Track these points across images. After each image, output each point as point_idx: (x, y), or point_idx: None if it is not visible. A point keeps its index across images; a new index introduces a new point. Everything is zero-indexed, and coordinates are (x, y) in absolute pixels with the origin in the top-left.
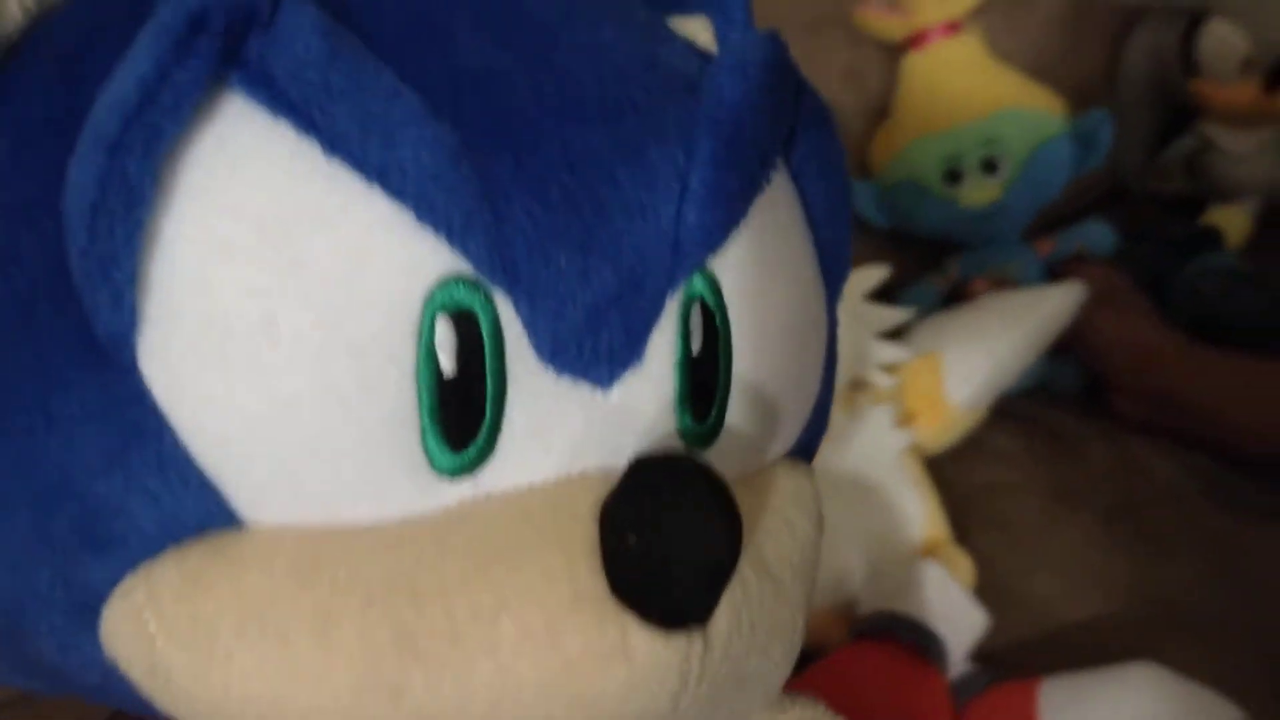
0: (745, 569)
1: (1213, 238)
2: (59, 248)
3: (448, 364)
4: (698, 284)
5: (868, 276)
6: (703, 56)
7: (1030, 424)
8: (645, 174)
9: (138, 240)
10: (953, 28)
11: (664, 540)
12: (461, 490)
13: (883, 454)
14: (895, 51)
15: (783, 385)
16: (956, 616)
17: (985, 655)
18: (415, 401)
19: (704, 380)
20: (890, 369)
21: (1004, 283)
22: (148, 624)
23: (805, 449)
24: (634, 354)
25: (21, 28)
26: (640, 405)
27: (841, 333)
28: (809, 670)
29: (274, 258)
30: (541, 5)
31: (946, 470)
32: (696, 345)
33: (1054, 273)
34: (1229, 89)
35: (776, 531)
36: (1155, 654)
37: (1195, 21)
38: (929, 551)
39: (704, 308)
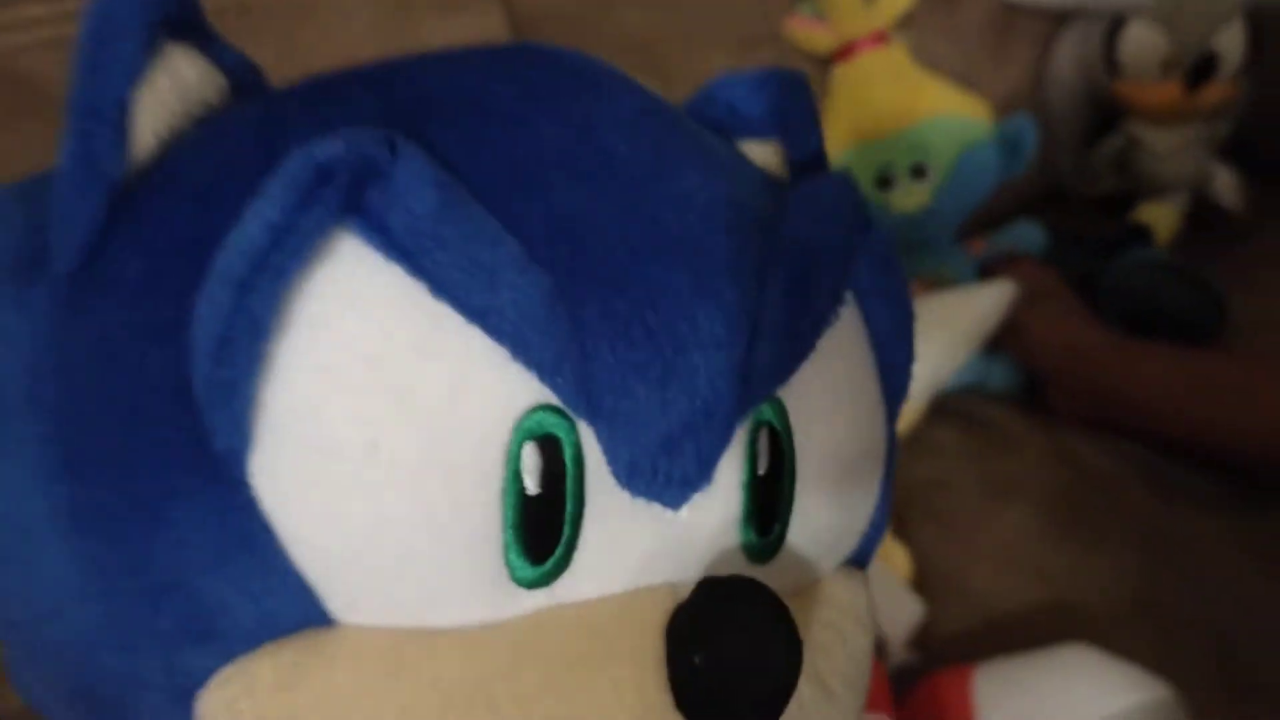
0: (801, 684)
1: (1142, 234)
2: (183, 368)
3: (532, 485)
4: (766, 411)
5: None
6: (777, 193)
7: (967, 420)
8: (721, 312)
9: (258, 369)
10: (880, 39)
11: (728, 660)
12: (539, 600)
13: None
14: (825, 64)
15: (842, 504)
16: (893, 607)
17: (925, 645)
18: (501, 519)
19: (768, 499)
20: None
21: (938, 284)
22: (243, 714)
23: (861, 557)
24: (704, 478)
25: (154, 152)
26: (707, 523)
27: None
28: None
29: (380, 388)
30: (631, 154)
31: None
32: (763, 467)
33: (986, 272)
34: (1151, 89)
35: (830, 644)
36: (1090, 639)
37: (1116, 25)
38: None
39: (771, 432)
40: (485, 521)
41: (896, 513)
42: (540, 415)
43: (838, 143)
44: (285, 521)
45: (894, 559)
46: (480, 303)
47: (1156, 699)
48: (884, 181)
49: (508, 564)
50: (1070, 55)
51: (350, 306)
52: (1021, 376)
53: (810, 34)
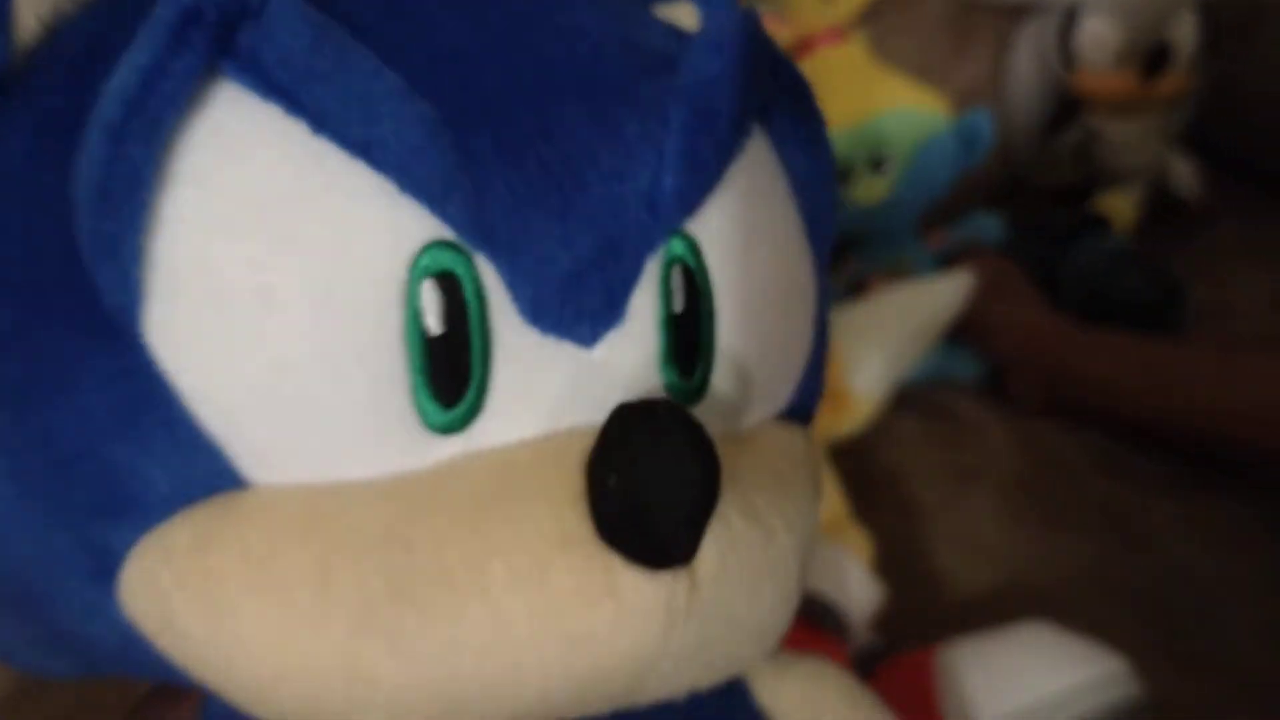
0: (732, 514)
1: (1100, 224)
2: (71, 233)
3: (435, 324)
4: (677, 246)
5: None
6: (681, 37)
7: (930, 409)
8: (621, 143)
9: (141, 220)
10: (837, 35)
11: (643, 481)
12: (453, 446)
13: None
14: None
15: (768, 345)
16: (854, 591)
17: (889, 629)
18: (406, 362)
19: (688, 339)
20: None
21: (898, 275)
22: (162, 581)
23: (800, 411)
24: (615, 314)
25: (36, 34)
26: (624, 362)
27: None
28: None
29: (268, 232)
30: None
31: (850, 456)
32: (678, 304)
33: (946, 263)
34: (1107, 80)
35: (766, 483)
36: (1047, 618)
37: (1071, 18)
38: (829, 530)
39: (685, 269)
40: (389, 364)
41: (858, 500)
42: (436, 251)
43: None
44: (186, 378)
45: (855, 545)
46: (361, 135)
47: (1110, 671)
48: (843, 175)
49: (418, 409)
50: (1028, 48)
51: (231, 152)
52: (984, 367)
53: (769, 30)
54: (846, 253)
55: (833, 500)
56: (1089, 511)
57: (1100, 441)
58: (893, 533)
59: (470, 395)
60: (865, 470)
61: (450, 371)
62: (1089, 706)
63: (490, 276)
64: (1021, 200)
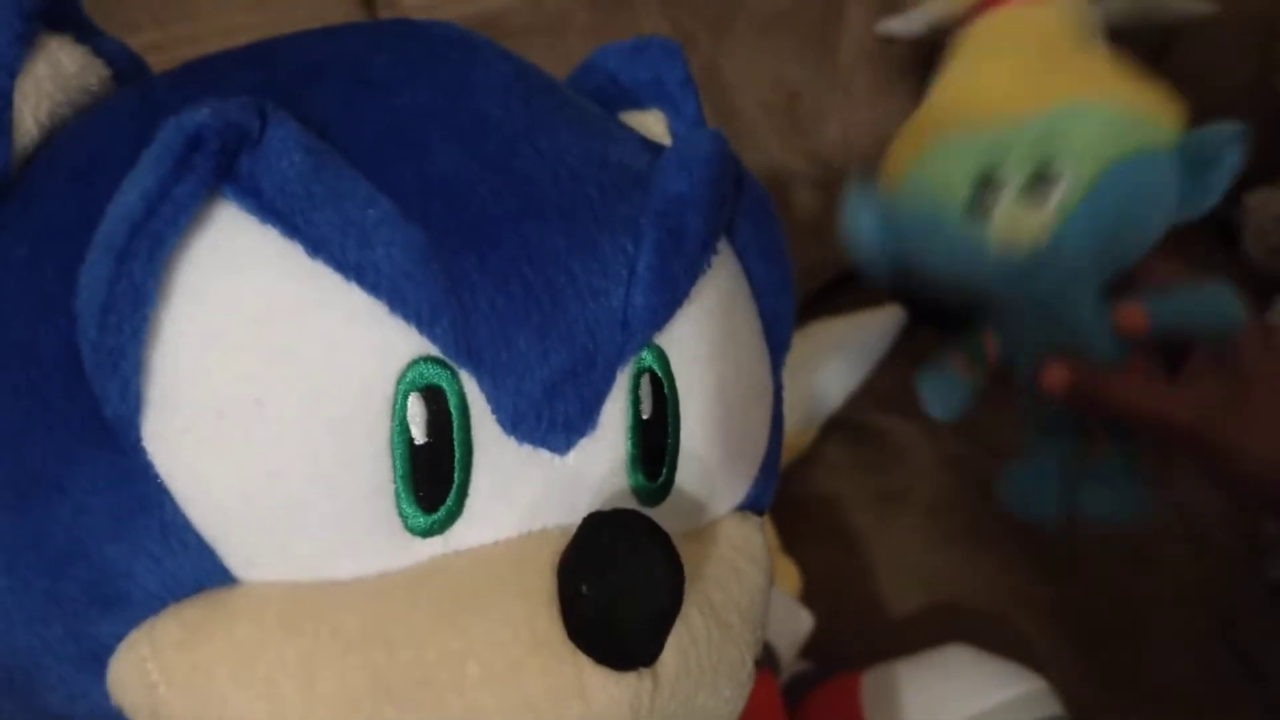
0: (693, 614)
1: None
2: (72, 341)
3: (419, 434)
4: (647, 357)
5: None
6: (653, 151)
7: (857, 433)
8: (597, 263)
9: (143, 335)
10: None
11: (613, 589)
12: (433, 547)
13: None
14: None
15: (729, 446)
16: (783, 619)
17: (817, 655)
18: (391, 470)
19: (655, 443)
20: None
21: (1075, 366)
22: (150, 674)
23: (756, 504)
24: (588, 423)
25: (36, 140)
26: (595, 467)
27: None
28: None
29: (262, 347)
30: (504, 115)
31: (780, 485)
32: (647, 411)
33: (1173, 366)
34: None
35: (723, 579)
36: (972, 638)
37: None
38: None
39: (654, 378)
40: (375, 472)
41: (787, 530)
42: (422, 366)
43: (928, 128)
44: (180, 482)
45: (783, 575)
46: (355, 259)
47: (1031, 690)
48: (984, 192)
49: (400, 513)
50: None
51: (230, 270)
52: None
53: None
54: (981, 325)
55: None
56: (1013, 531)
57: None
58: (821, 562)
59: (450, 501)
60: (795, 498)
61: (432, 478)
62: None
63: (473, 390)
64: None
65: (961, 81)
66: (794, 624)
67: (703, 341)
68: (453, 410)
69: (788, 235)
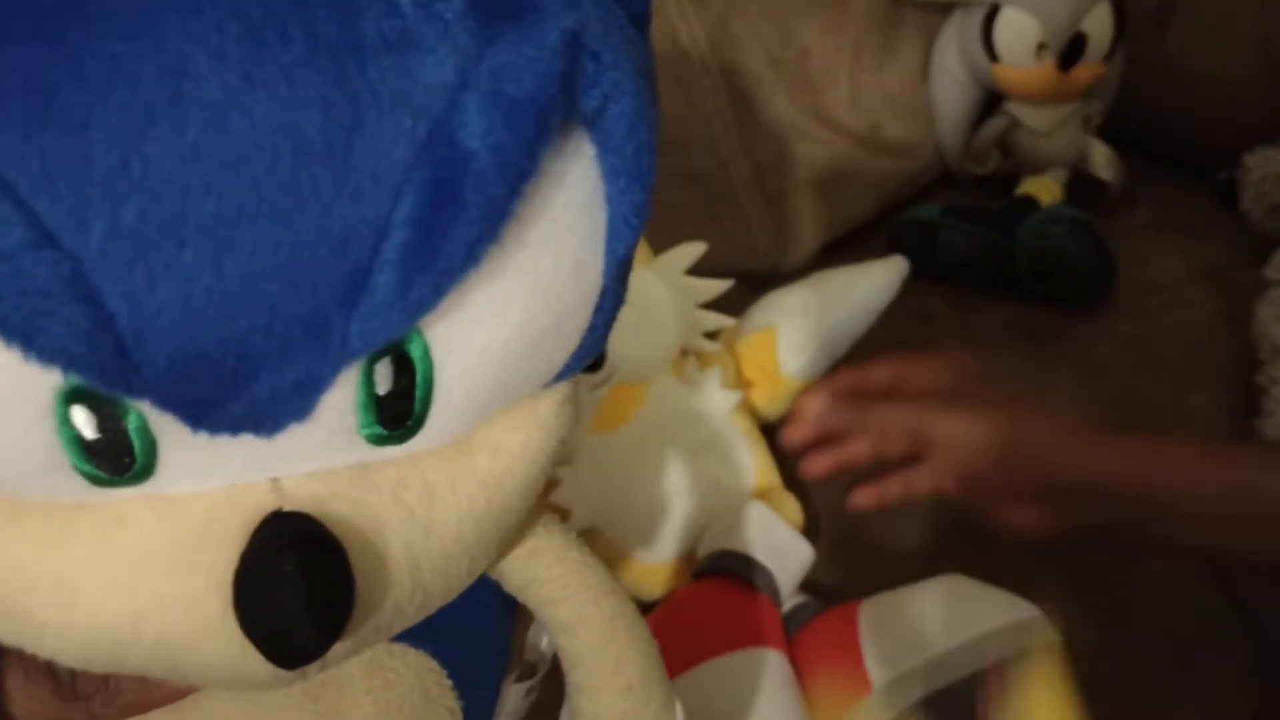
0: (404, 576)
1: (1030, 205)
2: None
3: (90, 433)
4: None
5: (687, 254)
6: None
7: None
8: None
9: None
10: None
11: (282, 604)
12: (130, 493)
13: (715, 414)
14: None
15: (508, 384)
16: (784, 550)
17: (823, 591)
18: (65, 456)
19: (398, 409)
20: (714, 334)
21: None
22: None
23: (568, 373)
24: (301, 414)
25: None
26: (314, 436)
27: (668, 305)
28: (651, 614)
29: None
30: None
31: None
32: (384, 389)
33: None
34: (1027, 72)
35: (434, 522)
36: (973, 574)
37: (992, 13)
38: (761, 497)
39: (397, 357)
40: (49, 457)
41: (790, 466)
42: (80, 386)
43: None
44: None
45: (786, 509)
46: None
47: (1027, 618)
48: None
49: (83, 475)
50: (952, 44)
51: None
52: None
53: None
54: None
55: (765, 468)
56: None
57: None
58: (826, 503)
59: (134, 473)
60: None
61: (114, 466)
62: (1005, 649)
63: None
64: (953, 190)
65: None
66: (795, 556)
67: (480, 304)
68: (130, 431)
69: (794, 191)
